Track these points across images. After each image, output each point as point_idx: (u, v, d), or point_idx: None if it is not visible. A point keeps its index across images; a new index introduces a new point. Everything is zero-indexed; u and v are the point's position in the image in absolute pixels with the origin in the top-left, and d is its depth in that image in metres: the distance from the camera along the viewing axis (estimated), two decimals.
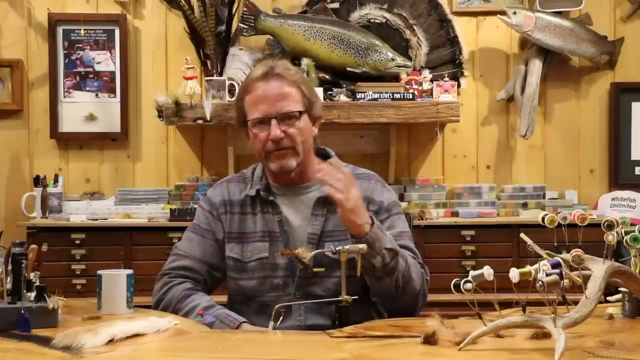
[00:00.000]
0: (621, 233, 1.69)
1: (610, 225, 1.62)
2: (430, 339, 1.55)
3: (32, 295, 1.80)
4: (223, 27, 3.72)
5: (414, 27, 3.86)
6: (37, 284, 1.82)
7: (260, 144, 2.07)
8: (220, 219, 2.15)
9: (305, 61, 3.69)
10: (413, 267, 2.03)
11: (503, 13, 3.78)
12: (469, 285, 1.54)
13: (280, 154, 2.06)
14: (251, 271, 2.10)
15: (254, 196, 2.13)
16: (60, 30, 3.93)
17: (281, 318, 1.93)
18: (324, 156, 2.21)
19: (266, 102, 2.05)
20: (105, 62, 3.95)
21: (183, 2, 3.72)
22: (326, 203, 2.08)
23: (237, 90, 3.56)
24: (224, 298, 2.21)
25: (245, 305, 2.12)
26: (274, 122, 2.04)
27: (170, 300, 2.08)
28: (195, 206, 3.54)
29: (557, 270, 1.50)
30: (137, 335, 1.68)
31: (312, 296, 2.03)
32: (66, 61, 3.94)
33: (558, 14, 3.86)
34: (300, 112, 2.06)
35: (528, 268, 1.53)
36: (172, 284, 2.10)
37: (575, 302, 1.52)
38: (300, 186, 2.14)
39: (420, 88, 3.71)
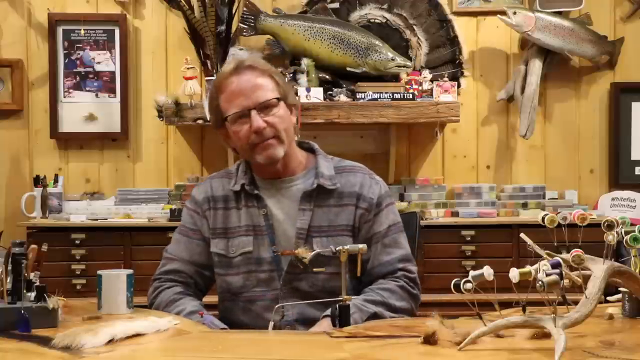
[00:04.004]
0: (621, 233, 1.68)
1: (610, 225, 1.62)
2: (430, 339, 1.55)
3: (32, 295, 1.79)
4: (223, 27, 3.72)
5: (414, 27, 3.86)
6: (37, 284, 1.82)
7: (244, 138, 2.05)
8: (205, 216, 2.14)
9: (305, 61, 3.70)
10: (392, 299, 2.02)
11: (503, 13, 3.78)
12: (469, 285, 1.54)
13: (265, 144, 2.04)
14: (236, 266, 2.09)
15: (238, 191, 2.11)
16: (60, 30, 3.93)
17: (282, 317, 1.94)
18: (308, 150, 2.20)
19: (242, 95, 2.03)
20: (105, 62, 3.95)
21: (183, 2, 3.72)
22: (312, 197, 2.07)
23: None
24: (216, 298, 2.21)
25: (232, 302, 2.12)
26: (253, 113, 2.02)
27: (159, 304, 2.10)
28: None
29: (557, 270, 1.50)
30: (137, 335, 1.68)
31: (298, 291, 2.04)
32: (66, 61, 3.94)
33: (558, 14, 3.86)
34: (278, 99, 2.05)
35: (528, 268, 1.53)
36: (161, 288, 2.13)
37: (575, 302, 1.52)
38: (285, 179, 2.12)
39: (420, 88, 3.71)
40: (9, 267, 1.81)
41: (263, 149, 2.05)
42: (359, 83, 3.74)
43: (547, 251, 1.59)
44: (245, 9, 3.79)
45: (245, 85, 2.04)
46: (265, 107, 2.03)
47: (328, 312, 1.93)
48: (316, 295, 1.98)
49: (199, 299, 2.15)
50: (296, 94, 3.46)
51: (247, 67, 2.06)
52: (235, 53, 3.76)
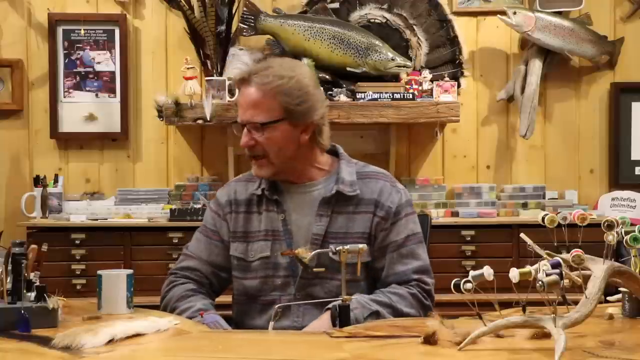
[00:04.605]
0: (621, 233, 1.69)
1: (610, 225, 1.63)
2: (430, 339, 1.55)
3: (32, 295, 1.80)
4: (223, 27, 3.72)
5: (414, 27, 3.86)
6: (37, 284, 1.82)
7: (242, 147, 2.10)
8: (225, 219, 2.16)
9: (305, 61, 3.69)
10: (401, 304, 2.01)
11: (503, 13, 3.78)
12: (469, 285, 1.54)
13: (254, 162, 2.09)
14: (254, 270, 2.10)
15: (260, 195, 2.13)
16: (60, 30, 3.93)
17: (279, 317, 1.94)
18: (332, 153, 2.20)
19: (242, 108, 2.07)
20: (105, 62, 3.95)
21: (183, 2, 3.72)
22: (331, 203, 2.07)
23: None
24: (228, 298, 2.21)
25: (249, 305, 2.12)
26: (245, 129, 2.06)
27: (171, 298, 2.12)
28: (195, 206, 3.58)
29: (557, 270, 1.50)
30: (137, 335, 1.68)
31: (313, 297, 2.03)
32: (66, 61, 3.94)
33: (558, 14, 3.86)
34: (264, 124, 2.02)
35: (528, 268, 1.53)
36: (176, 283, 2.15)
37: (575, 302, 1.52)
38: (306, 184, 2.12)
39: (420, 88, 3.71)
40: (9, 267, 1.81)
41: (253, 164, 2.10)
42: (359, 83, 3.74)
43: (547, 251, 1.59)
44: (245, 9, 3.79)
45: (245, 100, 2.06)
46: (255, 127, 2.04)
47: (331, 305, 1.92)
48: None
49: (212, 298, 2.16)
50: None
51: (253, 82, 2.04)
52: (236, 53, 3.77)
